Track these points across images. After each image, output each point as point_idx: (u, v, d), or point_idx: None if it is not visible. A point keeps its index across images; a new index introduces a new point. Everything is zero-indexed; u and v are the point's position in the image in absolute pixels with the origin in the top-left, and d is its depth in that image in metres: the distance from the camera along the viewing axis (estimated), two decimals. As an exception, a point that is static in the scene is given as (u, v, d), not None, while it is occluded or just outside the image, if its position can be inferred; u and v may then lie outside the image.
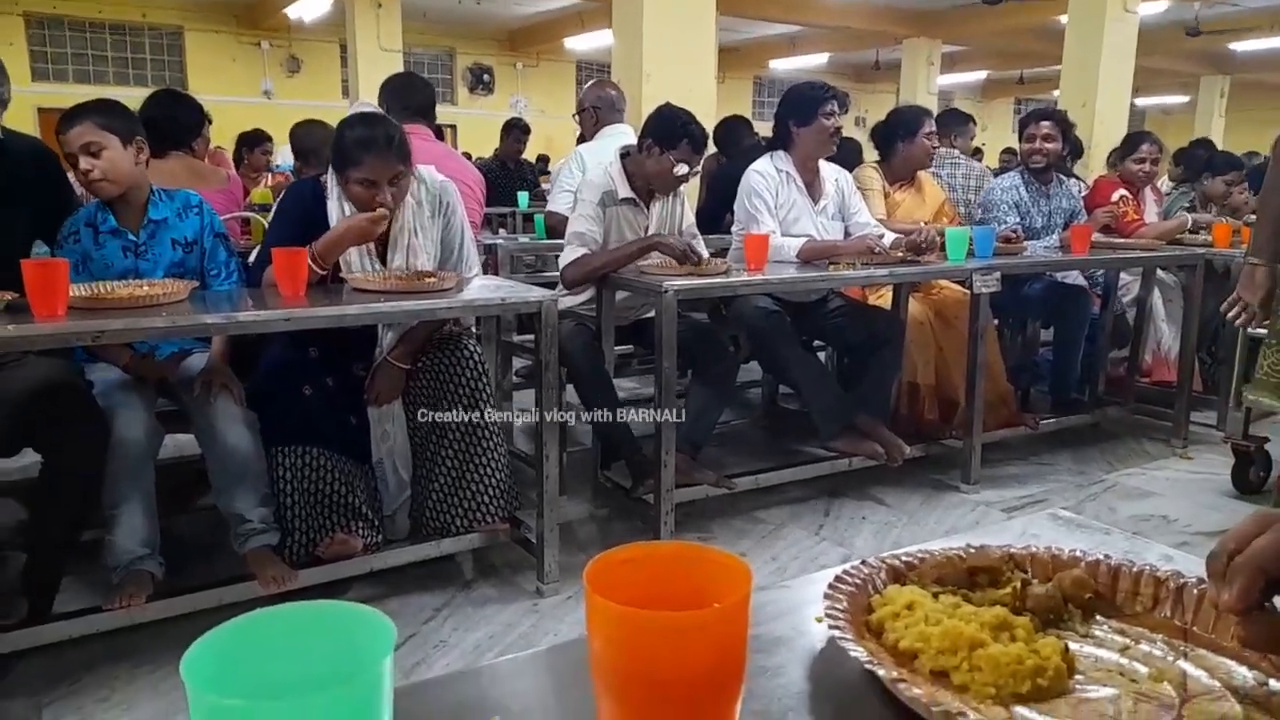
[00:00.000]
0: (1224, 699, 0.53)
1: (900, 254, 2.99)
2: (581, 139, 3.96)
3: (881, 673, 0.52)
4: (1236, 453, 3.12)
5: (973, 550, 0.69)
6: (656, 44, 4.74)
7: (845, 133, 3.35)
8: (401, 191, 2.27)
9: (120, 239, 2.21)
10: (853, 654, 0.54)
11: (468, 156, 9.29)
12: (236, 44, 12.86)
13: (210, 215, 2.34)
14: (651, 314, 2.66)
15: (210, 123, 3.67)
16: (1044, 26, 10.67)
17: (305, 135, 3.84)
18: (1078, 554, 0.68)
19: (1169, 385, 3.88)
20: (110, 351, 2.19)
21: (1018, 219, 3.71)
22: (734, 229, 3.24)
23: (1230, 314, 2.45)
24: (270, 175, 5.44)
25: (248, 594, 2.09)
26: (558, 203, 3.52)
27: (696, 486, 2.74)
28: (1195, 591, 0.62)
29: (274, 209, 2.71)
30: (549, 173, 6.75)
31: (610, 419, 2.80)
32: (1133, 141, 4.22)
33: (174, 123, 3.15)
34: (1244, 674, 0.55)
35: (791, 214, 3.10)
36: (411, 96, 3.13)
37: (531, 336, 2.35)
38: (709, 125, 5.03)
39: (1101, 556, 0.67)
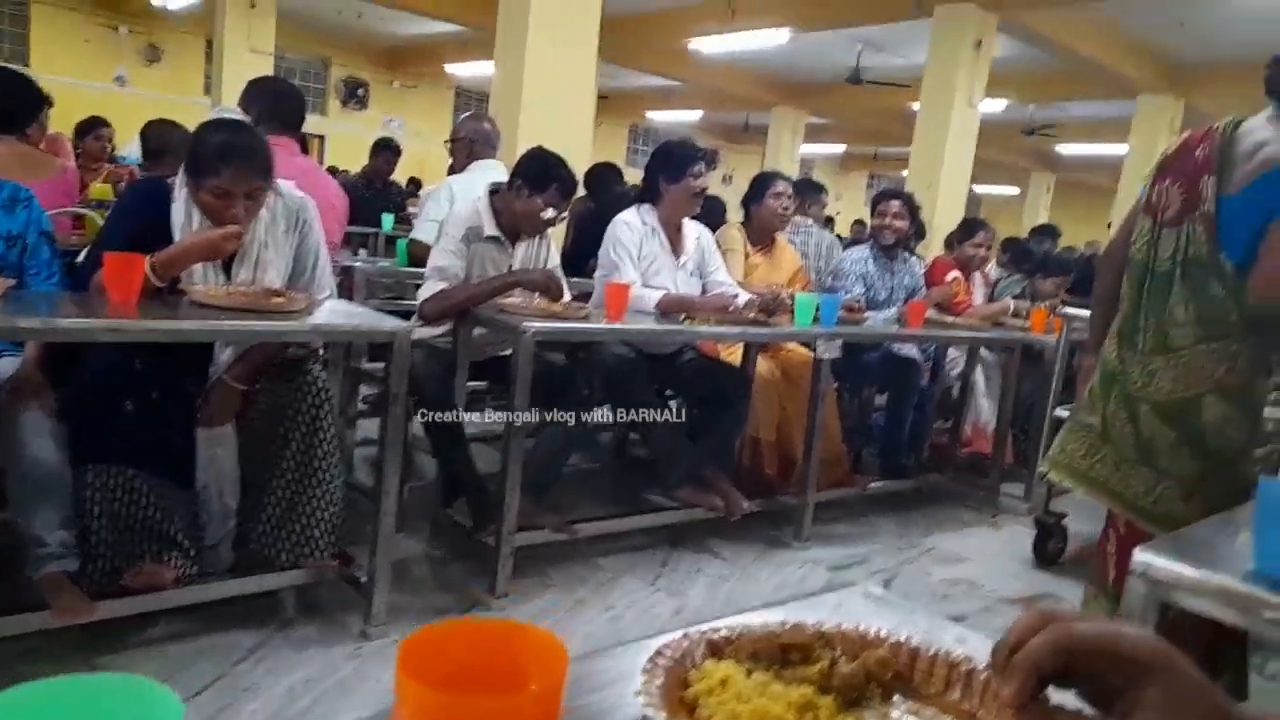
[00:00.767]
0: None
1: (752, 314, 3.11)
2: (452, 169, 3.93)
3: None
4: (1038, 525, 3.39)
5: (788, 626, 0.72)
6: (537, 81, 4.78)
7: (714, 190, 3.49)
8: (256, 207, 2.18)
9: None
10: (664, 732, 0.55)
11: (335, 171, 9.02)
12: (90, 24, 12.02)
13: (39, 212, 2.17)
14: (508, 351, 2.65)
15: (51, 106, 3.41)
16: (898, 111, 11.45)
17: (158, 134, 3.62)
18: (883, 634, 0.72)
19: (986, 457, 4.18)
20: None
21: (863, 290, 3.94)
22: (597, 274, 3.29)
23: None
24: (111, 167, 5.09)
25: (38, 625, 1.91)
26: (423, 232, 3.47)
27: (538, 530, 2.72)
28: (982, 678, 0.67)
29: (113, 206, 2.54)
30: (418, 196, 6.62)
31: (456, 455, 2.76)
32: (970, 228, 4.57)
33: (6, 103, 2.91)
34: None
35: (653, 266, 3.18)
36: (281, 106, 2.98)
37: (382, 364, 2.29)
38: (583, 168, 5.13)
39: (903, 638, 0.72)
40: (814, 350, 3.20)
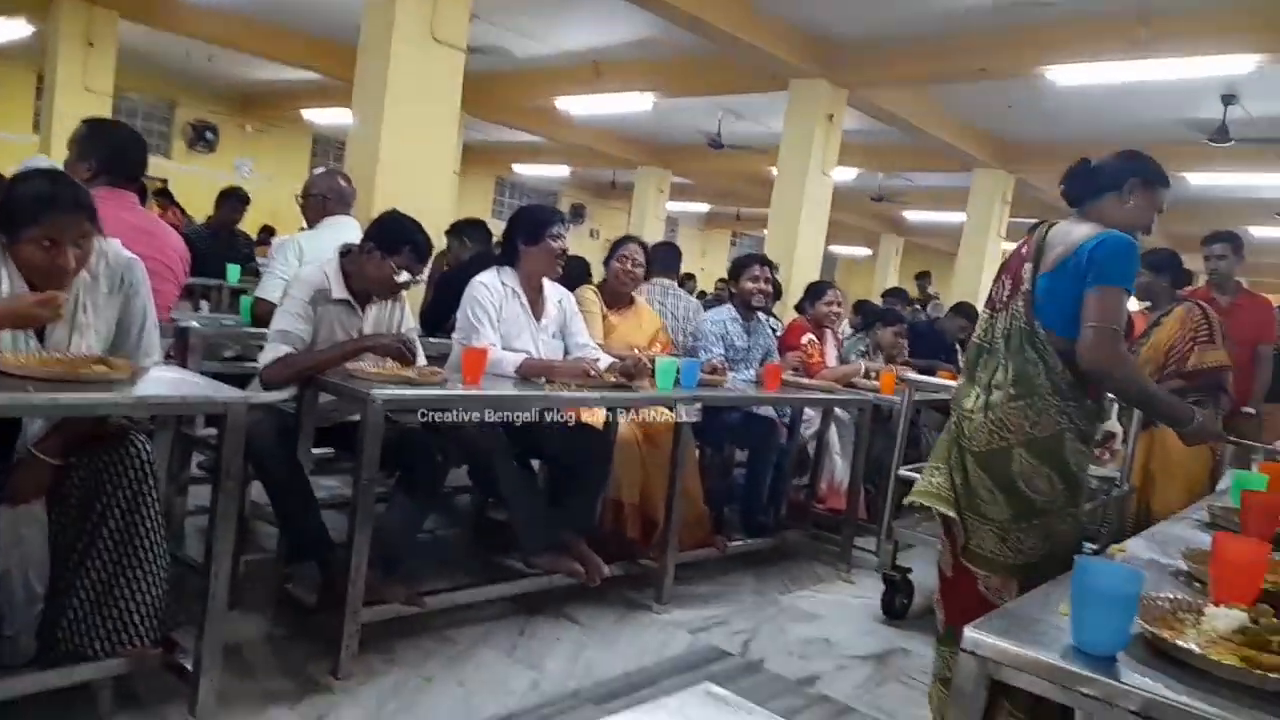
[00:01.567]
0: None
1: (614, 378, 3.11)
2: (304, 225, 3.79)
3: None
4: (886, 581, 3.51)
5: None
6: (396, 136, 4.71)
7: (580, 246, 3.49)
8: (85, 256, 2.02)
9: None
10: None
11: (183, 213, 8.57)
12: (-100, 54, 11.06)
13: None
14: (357, 417, 2.54)
15: None
16: (758, 175, 11.93)
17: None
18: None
19: (839, 513, 4.31)
20: None
21: (722, 350, 4.02)
22: (455, 337, 3.22)
23: None
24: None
25: None
26: (268, 290, 3.31)
27: (386, 605, 2.59)
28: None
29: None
30: (269, 244, 6.35)
31: (303, 517, 2.62)
32: (819, 289, 4.77)
33: None
34: None
35: (513, 329, 3.14)
36: (121, 157, 2.76)
37: (216, 431, 2.15)
38: (445, 224, 5.06)
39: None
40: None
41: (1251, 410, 4.17)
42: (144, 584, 2.06)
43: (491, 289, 3.11)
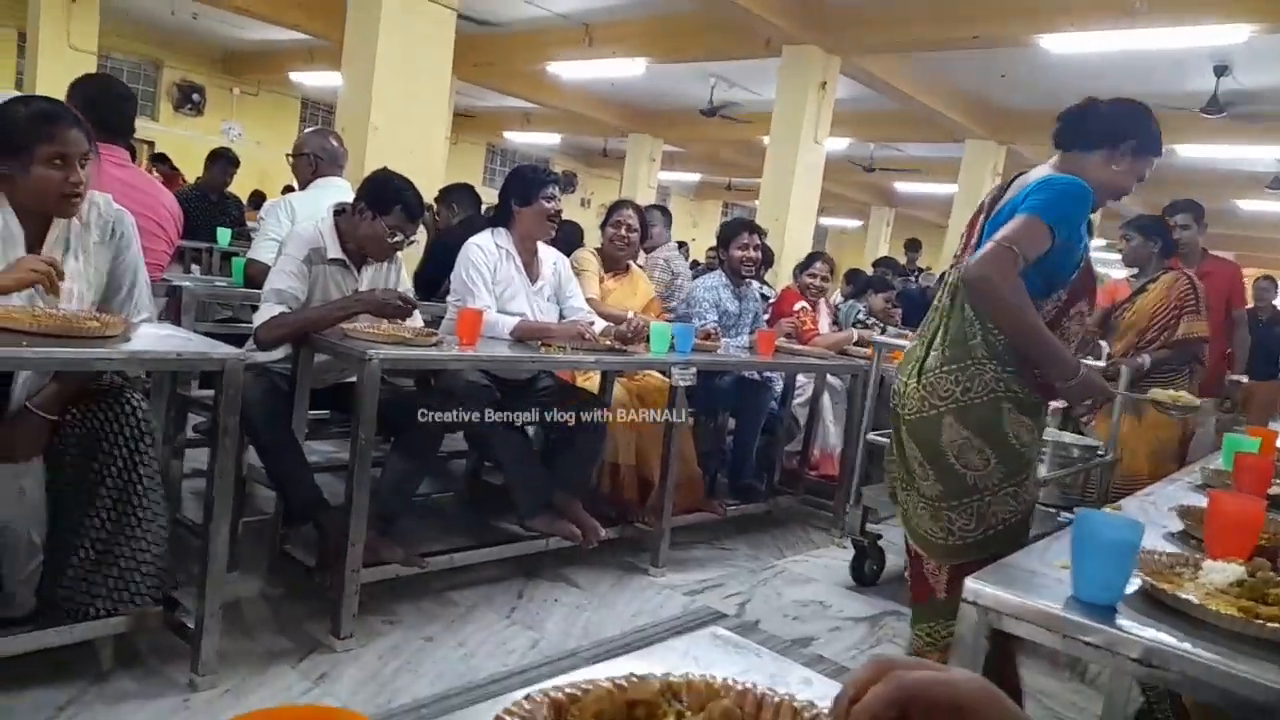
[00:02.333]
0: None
1: (609, 342, 3.11)
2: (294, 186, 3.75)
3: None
4: (855, 547, 3.52)
5: (634, 680, 0.70)
6: (387, 97, 4.65)
7: (571, 214, 3.48)
8: (88, 179, 2.01)
9: None
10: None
11: (174, 171, 8.46)
12: (-128, 10, 10.82)
13: None
14: (353, 378, 2.54)
15: None
16: (750, 143, 11.86)
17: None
18: (729, 682, 0.71)
19: (833, 479, 4.34)
20: None
21: (716, 316, 4.03)
22: (449, 299, 3.21)
23: None
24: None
25: None
26: (261, 251, 3.28)
27: (385, 565, 2.61)
28: (826, 722, 0.67)
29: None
30: (259, 209, 6.29)
31: (296, 481, 2.62)
32: (809, 260, 4.77)
33: None
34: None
35: (508, 291, 3.13)
36: (110, 111, 2.74)
37: (212, 392, 2.14)
38: (437, 187, 5.02)
39: (750, 685, 0.72)
40: (670, 377, 3.23)
41: (1243, 378, 4.22)
42: (144, 542, 2.06)
43: (486, 251, 3.10)
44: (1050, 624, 1.12)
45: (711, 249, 12.81)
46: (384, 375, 2.45)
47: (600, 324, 3.26)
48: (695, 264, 11.38)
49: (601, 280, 3.83)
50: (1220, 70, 7.09)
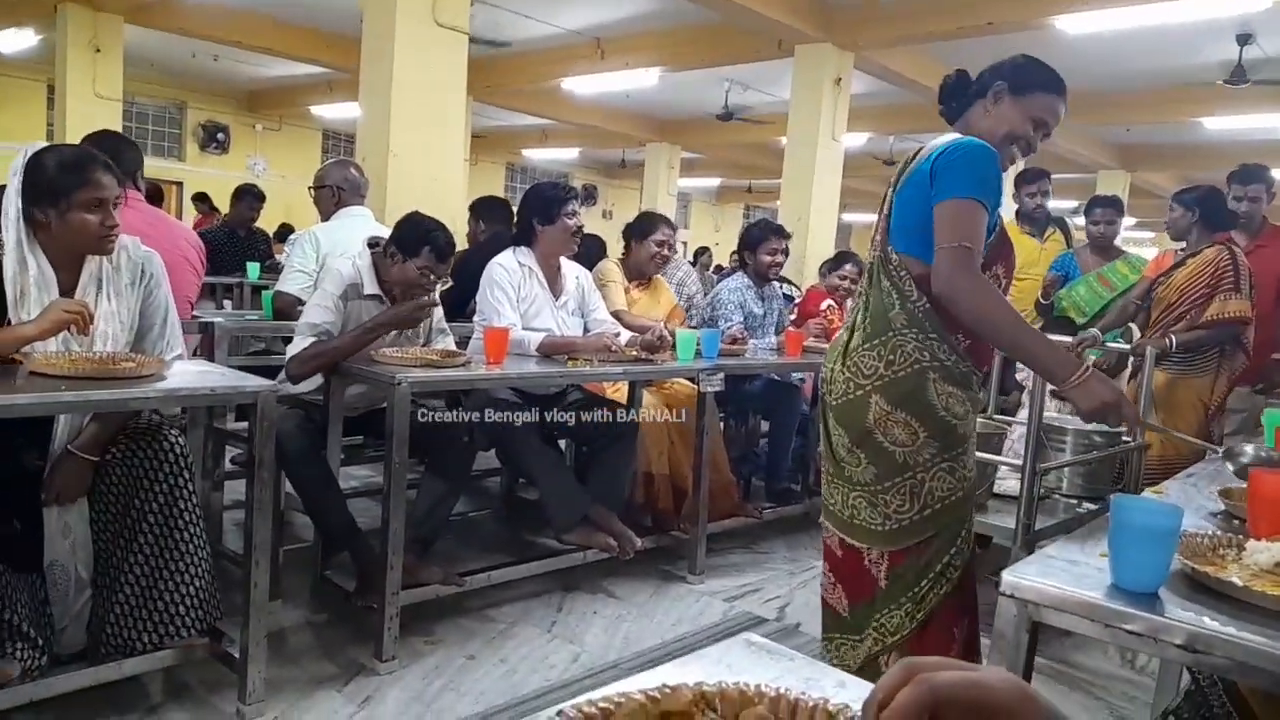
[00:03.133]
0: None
1: (635, 352, 3.12)
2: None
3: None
4: None
5: (667, 691, 0.70)
6: (405, 125, 4.69)
7: (593, 225, 3.50)
8: (118, 223, 2.07)
9: None
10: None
11: (207, 201, 8.65)
12: (-89, 71, 11.16)
13: None
14: (385, 404, 2.57)
15: None
16: (768, 145, 11.84)
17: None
18: (763, 688, 0.71)
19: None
20: None
21: (742, 319, 4.02)
22: (476, 319, 3.23)
23: None
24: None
25: None
26: (288, 283, 3.33)
27: (424, 587, 2.63)
28: (860, 727, 0.67)
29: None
30: (285, 241, 6.39)
31: (330, 512, 2.65)
32: (839, 260, 4.74)
33: None
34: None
35: (532, 308, 3.15)
36: (120, 159, 2.83)
37: (247, 424, 2.18)
38: (459, 209, 5.07)
39: (783, 690, 0.71)
40: (698, 384, 3.23)
41: None
42: (187, 576, 2.10)
43: (509, 270, 3.12)
44: (1092, 613, 1.10)
45: (735, 252, 12.82)
46: (414, 398, 2.47)
47: (626, 335, 3.27)
48: (720, 269, 11.38)
49: (627, 290, 3.84)
50: (1244, 39, 6.95)
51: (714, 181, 18.21)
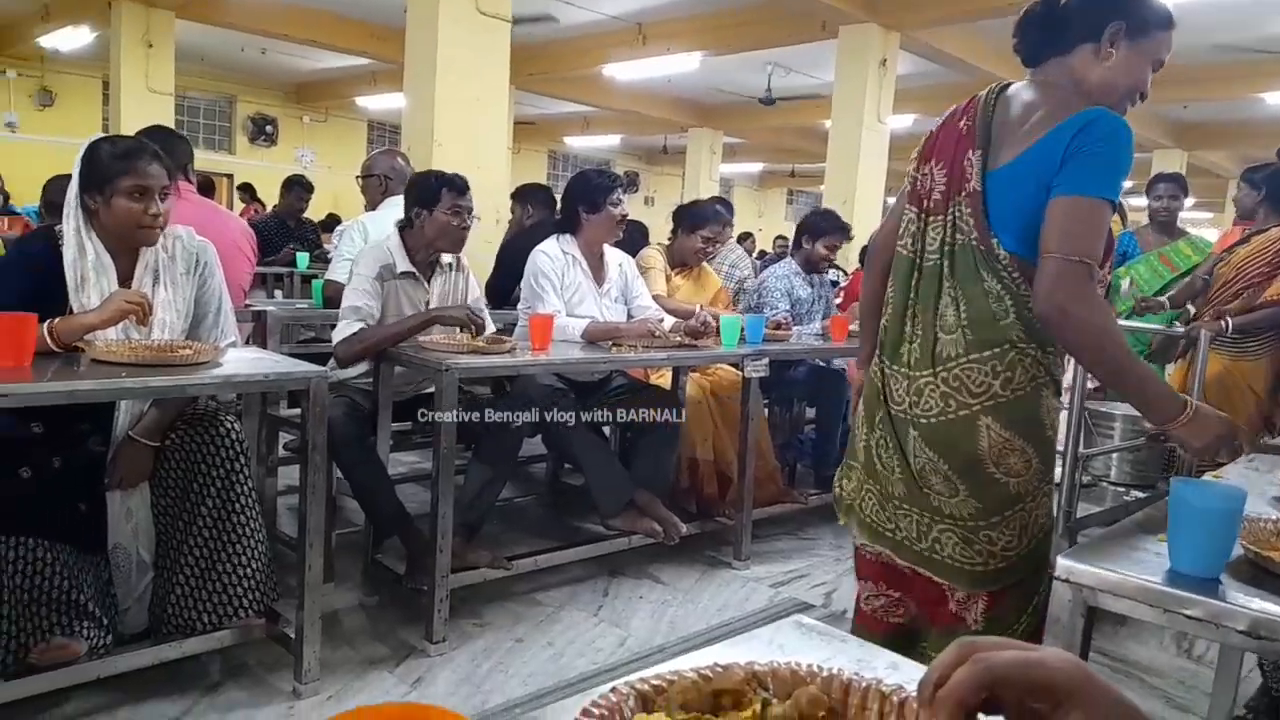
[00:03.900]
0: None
1: (679, 338, 3.11)
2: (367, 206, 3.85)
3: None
4: None
5: (719, 670, 0.70)
6: (449, 113, 4.74)
7: (635, 212, 3.50)
8: (167, 213, 2.12)
9: None
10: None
11: (254, 195, 8.82)
12: (-25, 69, 11.53)
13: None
14: (432, 389, 2.60)
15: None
16: (812, 128, 11.72)
17: (61, 188, 3.46)
18: (815, 668, 0.71)
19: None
20: None
21: (788, 306, 3.99)
22: (520, 307, 3.26)
23: None
24: (3, 220, 4.86)
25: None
26: (337, 271, 3.39)
27: (473, 570, 2.66)
28: (915, 706, 0.66)
29: None
30: (333, 231, 6.49)
31: (380, 497, 2.69)
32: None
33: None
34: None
35: (576, 295, 3.16)
36: (171, 152, 2.91)
37: (300, 410, 2.22)
38: (502, 196, 5.10)
39: (835, 670, 0.71)
40: (742, 369, 3.22)
41: None
42: (244, 558, 2.16)
43: (553, 258, 3.13)
44: (1150, 598, 1.08)
45: (780, 238, 12.70)
46: (461, 384, 2.50)
47: (669, 320, 3.27)
48: (762, 254, 11.30)
49: (669, 278, 3.83)
50: (1309, 10, 6.71)
51: (756, 167, 18.08)
